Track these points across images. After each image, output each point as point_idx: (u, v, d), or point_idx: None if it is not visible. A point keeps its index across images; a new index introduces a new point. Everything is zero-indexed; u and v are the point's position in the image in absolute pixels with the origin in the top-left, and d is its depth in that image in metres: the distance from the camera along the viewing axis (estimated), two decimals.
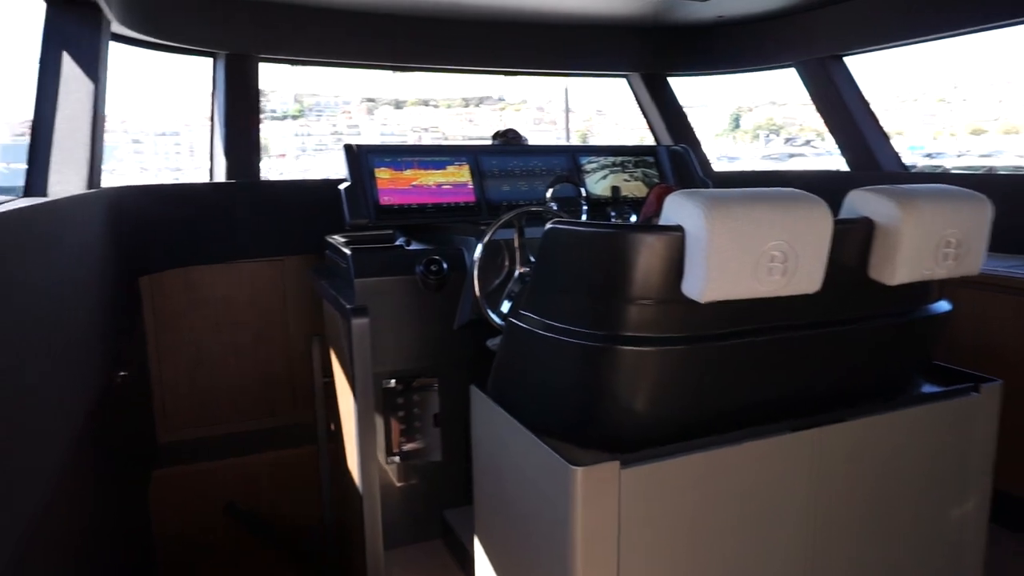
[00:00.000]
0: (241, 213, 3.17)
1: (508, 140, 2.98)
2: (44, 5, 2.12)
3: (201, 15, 3.00)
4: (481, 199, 2.74)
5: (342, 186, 2.58)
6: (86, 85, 2.17)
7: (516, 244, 2.17)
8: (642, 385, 1.25)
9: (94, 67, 2.20)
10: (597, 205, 2.81)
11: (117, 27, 2.50)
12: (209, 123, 3.31)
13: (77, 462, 1.55)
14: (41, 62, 2.12)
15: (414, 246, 2.43)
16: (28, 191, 2.04)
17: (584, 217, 2.48)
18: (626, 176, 3.01)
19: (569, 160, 2.94)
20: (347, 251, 2.32)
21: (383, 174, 2.64)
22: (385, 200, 2.61)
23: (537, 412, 1.40)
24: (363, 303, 2.11)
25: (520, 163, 2.86)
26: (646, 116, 3.99)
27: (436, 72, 3.60)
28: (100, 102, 2.23)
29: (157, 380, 3.07)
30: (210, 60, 3.26)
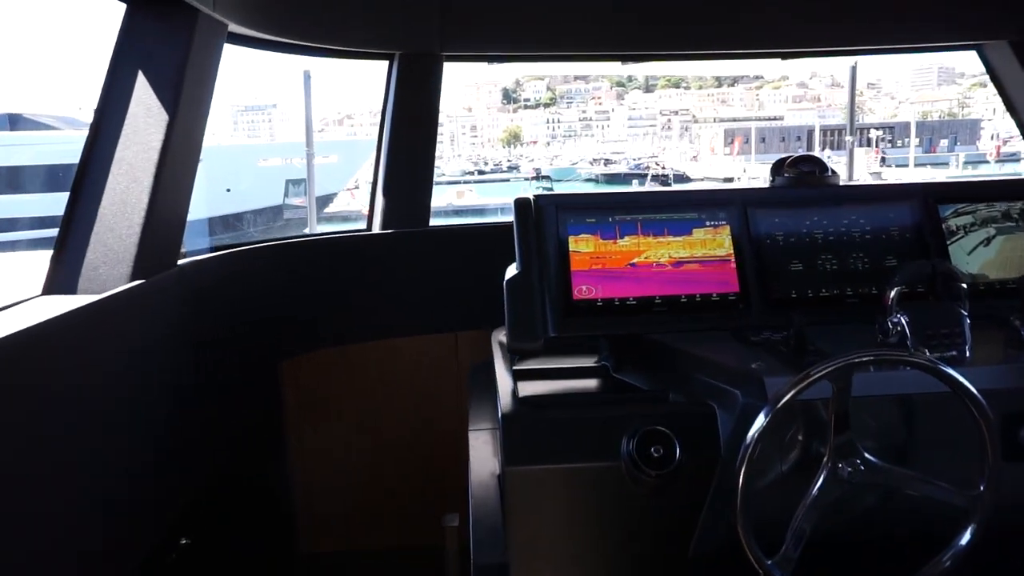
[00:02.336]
0: (404, 272, 2.63)
1: (801, 178, 1.88)
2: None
3: (368, 6, 2.39)
4: (752, 290, 1.73)
5: (509, 274, 1.71)
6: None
7: (830, 413, 1.25)
8: None
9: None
10: (977, 296, 1.63)
11: (246, 30, 2.10)
12: (376, 148, 2.69)
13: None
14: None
15: (623, 378, 1.63)
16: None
17: (968, 341, 1.44)
18: None
19: (919, 213, 1.80)
20: (501, 407, 1.52)
21: (582, 244, 1.74)
22: (583, 291, 1.70)
23: None
24: (523, 502, 1.40)
25: (826, 221, 1.78)
26: (1013, 107, 2.66)
27: (694, 59, 2.80)
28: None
29: (299, 483, 2.61)
30: (378, 64, 2.61)
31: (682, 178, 46.06)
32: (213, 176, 22.19)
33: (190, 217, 1.98)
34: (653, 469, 1.36)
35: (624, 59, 2.84)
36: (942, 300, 1.65)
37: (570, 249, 1.76)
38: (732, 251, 1.77)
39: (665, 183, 42.25)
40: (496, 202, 36.34)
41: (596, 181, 50.92)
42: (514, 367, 1.72)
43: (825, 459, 1.24)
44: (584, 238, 1.77)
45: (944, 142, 54.88)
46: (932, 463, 1.31)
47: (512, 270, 1.74)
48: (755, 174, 40.58)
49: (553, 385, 1.66)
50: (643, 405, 1.51)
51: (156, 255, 1.80)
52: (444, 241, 2.76)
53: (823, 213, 1.83)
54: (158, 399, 1.80)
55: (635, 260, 1.76)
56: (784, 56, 2.68)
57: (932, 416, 1.34)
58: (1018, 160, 47.73)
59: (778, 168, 1.94)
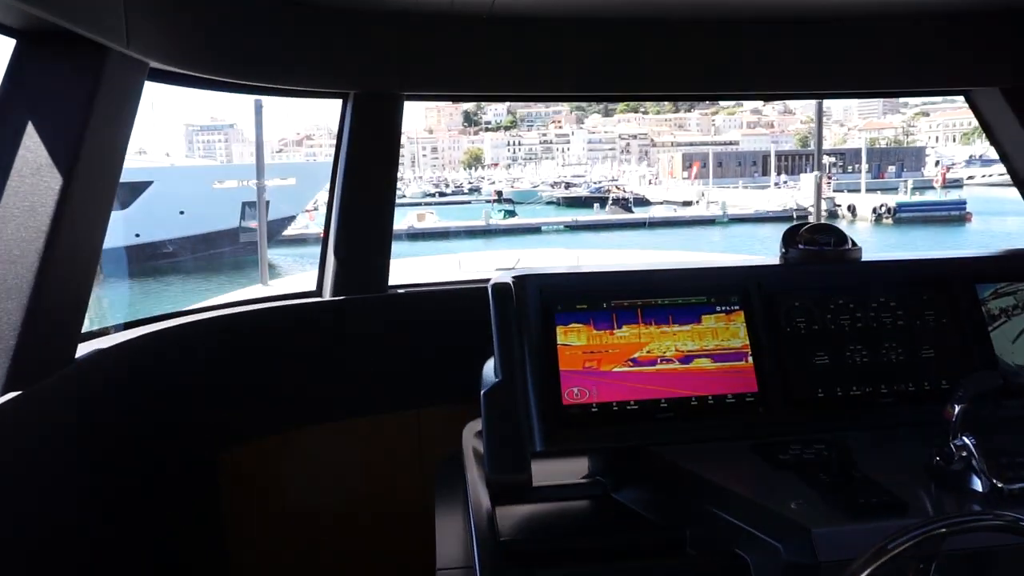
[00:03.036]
0: (360, 344, 2.27)
1: (821, 251, 1.59)
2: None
3: (326, 45, 2.11)
4: (772, 389, 1.45)
5: (486, 376, 1.42)
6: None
7: None
8: None
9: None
10: None
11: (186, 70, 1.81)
12: (328, 198, 2.30)
13: None
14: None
15: (624, 501, 1.39)
16: None
17: None
18: None
19: (956, 295, 1.57)
20: (477, 556, 1.27)
21: (572, 336, 1.45)
22: (574, 395, 1.42)
23: None
24: None
25: (853, 304, 1.52)
26: (1004, 153, 2.47)
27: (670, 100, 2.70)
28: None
29: None
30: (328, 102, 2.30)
31: (642, 201, 46.71)
32: (166, 198, 21.61)
33: (140, 240, 1.65)
34: None
35: (593, 99, 2.63)
36: (1008, 410, 1.37)
37: (559, 342, 1.44)
38: (748, 342, 1.49)
39: (626, 207, 42.67)
40: (457, 225, 36.33)
41: (557, 204, 51.33)
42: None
43: None
44: (575, 328, 1.46)
45: (892, 168, 56.78)
46: None
47: (489, 372, 1.41)
48: (714, 198, 41.35)
49: (540, 512, 1.38)
50: (657, 559, 1.26)
51: (42, 354, 1.44)
52: (405, 306, 2.36)
53: (850, 295, 1.54)
54: (55, 522, 1.48)
55: (636, 354, 1.46)
56: (773, 99, 2.46)
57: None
58: (961, 187, 49.75)
59: (790, 238, 1.62)
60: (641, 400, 1.42)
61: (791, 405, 1.45)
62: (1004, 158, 2.46)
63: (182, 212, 20.47)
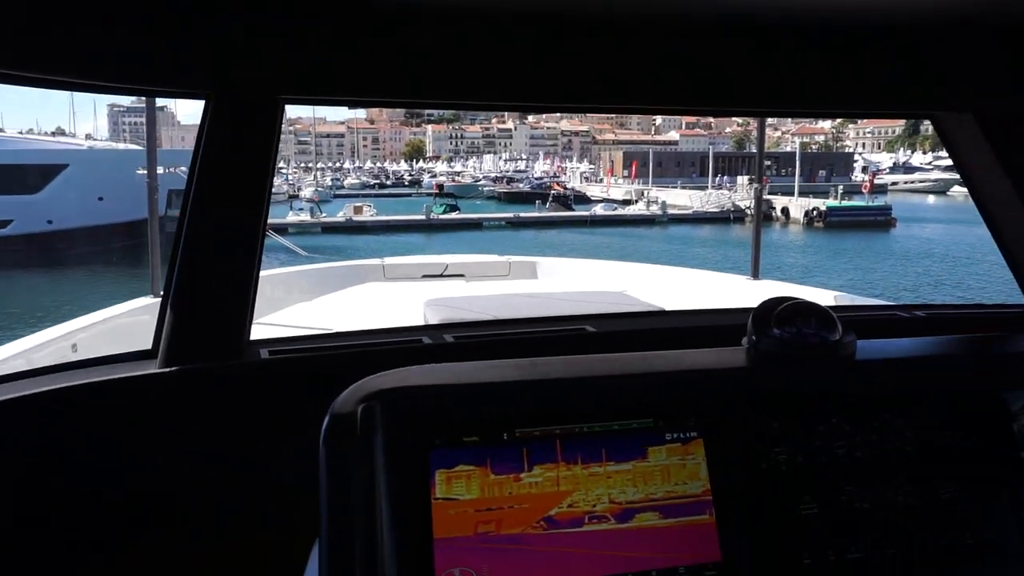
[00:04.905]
0: (206, 425, 1.81)
1: (804, 345, 1.15)
2: None
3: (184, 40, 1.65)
4: (741, 556, 1.06)
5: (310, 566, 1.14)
6: None
7: None
8: None
9: None
10: None
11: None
12: (177, 228, 1.77)
13: None
14: None
15: None
16: None
17: None
18: None
19: (980, 409, 1.22)
20: None
21: (458, 487, 0.99)
22: None
23: None
24: None
25: (849, 427, 1.14)
26: (975, 188, 2.24)
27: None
28: None
29: None
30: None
31: (582, 199, 47.02)
32: (83, 183, 20.24)
33: (53, 227, 1.13)
34: None
35: (495, 109, 2.12)
36: None
37: (436, 497, 0.97)
38: (710, 486, 1.06)
39: (567, 204, 42.81)
40: (397, 218, 35.65)
41: (498, 200, 51.20)
42: None
43: None
44: (461, 474, 0.99)
45: (822, 172, 58.89)
46: None
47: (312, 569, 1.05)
48: (654, 196, 41.91)
49: None
50: None
51: None
52: (270, 377, 1.82)
53: (845, 412, 1.14)
54: None
55: (554, 510, 1.00)
56: (736, 115, 2.15)
57: None
58: (886, 192, 51.98)
59: (762, 321, 1.16)
60: None
61: None
62: (968, 181, 2.32)
63: (101, 198, 19.25)
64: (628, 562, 1.00)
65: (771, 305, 1.17)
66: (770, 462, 1.09)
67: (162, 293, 1.78)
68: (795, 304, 1.17)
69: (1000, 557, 1.12)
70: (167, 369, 1.73)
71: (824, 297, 4.09)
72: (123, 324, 4.12)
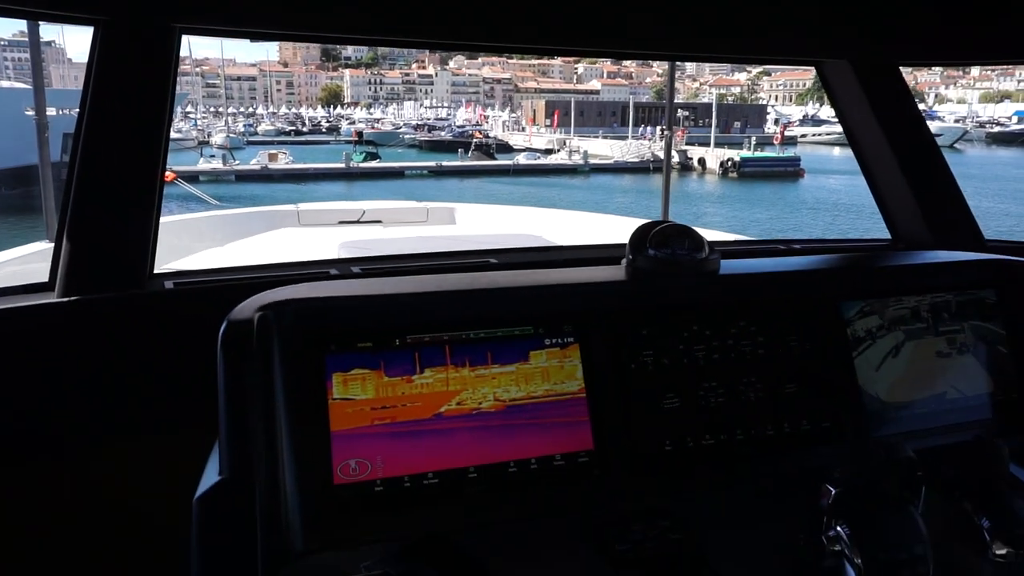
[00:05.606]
0: (107, 358, 1.74)
1: (675, 260, 1.32)
2: None
3: None
4: (612, 444, 1.20)
5: (204, 480, 1.09)
6: None
7: None
8: None
9: None
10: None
11: None
12: (71, 157, 1.71)
13: None
14: None
15: None
16: None
17: (931, 569, 0.99)
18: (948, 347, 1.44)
19: (822, 316, 1.38)
20: None
21: (354, 388, 1.08)
22: (352, 470, 1.05)
23: None
24: None
25: (709, 331, 1.30)
26: (851, 134, 2.42)
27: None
28: None
29: None
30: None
31: (505, 148, 46.69)
32: None
33: None
34: None
35: (428, 47, 2.09)
36: (884, 485, 1.11)
37: (334, 397, 1.05)
38: (584, 384, 1.20)
39: (489, 153, 42.42)
40: (315, 167, 34.48)
41: (420, 148, 50.21)
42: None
43: None
44: (357, 376, 1.07)
45: (737, 124, 60.39)
46: None
47: (212, 467, 1.07)
48: (576, 146, 42.05)
49: None
50: None
51: None
52: (174, 307, 1.79)
53: (706, 320, 1.29)
54: None
55: (443, 407, 1.11)
56: (632, 58, 2.17)
57: None
58: (795, 144, 54.00)
59: (639, 242, 1.31)
60: (443, 471, 1.08)
61: (633, 463, 1.20)
62: (848, 131, 2.45)
63: None
64: (511, 450, 1.13)
65: (648, 228, 1.33)
66: (639, 363, 1.24)
67: (59, 223, 1.71)
68: (670, 226, 1.34)
69: (832, 442, 1.32)
70: (65, 299, 1.68)
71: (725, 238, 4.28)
72: (17, 271, 3.87)
